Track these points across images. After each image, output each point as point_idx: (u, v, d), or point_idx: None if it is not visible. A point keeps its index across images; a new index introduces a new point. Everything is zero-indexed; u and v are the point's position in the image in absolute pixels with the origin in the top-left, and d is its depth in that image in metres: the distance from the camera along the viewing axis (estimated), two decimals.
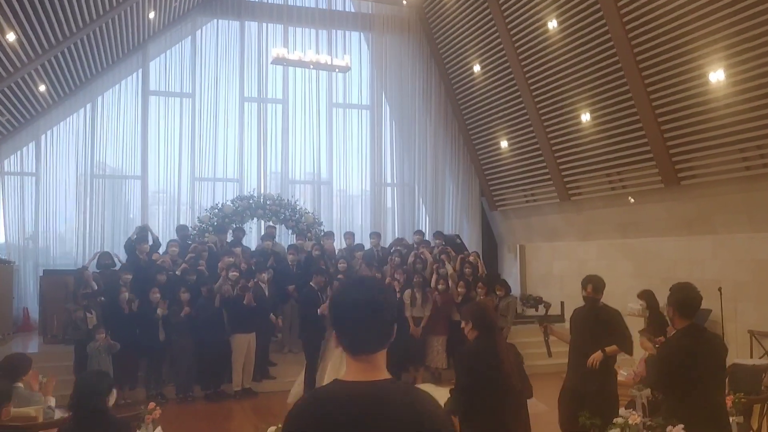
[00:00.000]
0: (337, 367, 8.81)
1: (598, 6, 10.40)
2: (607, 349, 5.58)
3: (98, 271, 9.95)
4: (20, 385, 5.22)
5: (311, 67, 9.95)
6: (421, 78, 15.22)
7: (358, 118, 15.07)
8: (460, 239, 13.82)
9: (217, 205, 12.98)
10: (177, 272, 9.73)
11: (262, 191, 13.73)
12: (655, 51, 9.82)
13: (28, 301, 12.62)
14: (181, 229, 11.47)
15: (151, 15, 12.21)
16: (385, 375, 2.00)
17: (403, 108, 15.19)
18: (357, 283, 2.09)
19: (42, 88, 11.33)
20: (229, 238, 11.90)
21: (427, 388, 9.55)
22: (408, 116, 15.23)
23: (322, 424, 1.87)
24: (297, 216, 13.20)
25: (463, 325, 4.56)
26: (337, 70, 10.02)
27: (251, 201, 13.06)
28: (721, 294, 9.63)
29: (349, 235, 11.88)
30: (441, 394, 8.63)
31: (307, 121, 14.59)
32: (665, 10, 9.41)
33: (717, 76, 9.01)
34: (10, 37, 8.74)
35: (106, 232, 13.20)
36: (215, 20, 14.13)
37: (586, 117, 11.46)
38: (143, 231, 10.93)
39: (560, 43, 11.43)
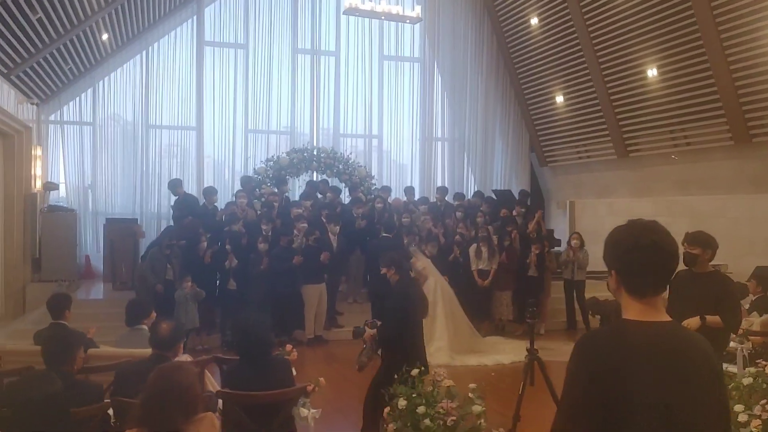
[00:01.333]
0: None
1: None
2: (709, 318, 4.64)
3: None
4: (144, 327, 5.37)
5: (382, 17, 9.85)
6: (473, 30, 15.00)
7: (410, 72, 14.97)
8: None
9: (272, 157, 13.06)
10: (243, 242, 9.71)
11: (314, 144, 13.78)
12: (733, 4, 9.63)
13: (88, 249, 12.81)
14: (247, 181, 11.53)
15: None
16: (666, 317, 2.05)
17: (454, 61, 15.03)
18: (649, 227, 2.03)
19: (105, 36, 11.30)
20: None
21: (495, 340, 9.73)
22: (459, 70, 15.08)
23: (632, 357, 1.92)
24: (350, 170, 13.27)
25: (384, 270, 5.51)
26: (408, 21, 9.91)
27: (305, 154, 13.12)
28: None
29: (410, 191, 11.95)
30: (512, 347, 8.69)
31: (360, 74, 14.54)
32: None
33: None
34: None
35: (163, 182, 13.29)
36: None
37: (652, 72, 11.31)
38: (177, 184, 10.88)
39: None
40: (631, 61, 11.75)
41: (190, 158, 13.64)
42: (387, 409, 4.17)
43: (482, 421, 3.58)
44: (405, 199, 11.65)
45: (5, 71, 9.35)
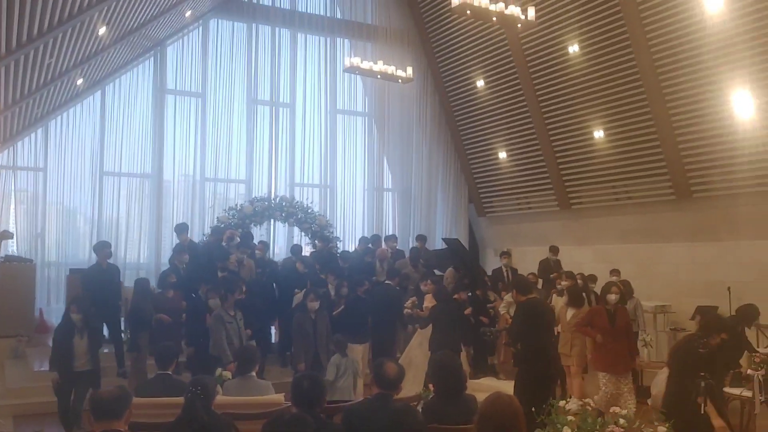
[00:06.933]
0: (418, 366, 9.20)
1: (622, 29, 11.44)
2: None
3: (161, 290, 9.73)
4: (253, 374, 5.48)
5: (378, 76, 10.43)
6: (416, 88, 15.85)
7: (362, 125, 15.63)
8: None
9: (235, 206, 13.08)
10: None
11: (271, 193, 13.95)
12: (678, 71, 10.95)
13: (41, 301, 12.08)
14: (219, 230, 11.63)
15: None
16: None
17: (401, 115, 15.84)
18: None
19: (79, 81, 11.00)
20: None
21: (490, 380, 10.24)
22: (405, 124, 15.91)
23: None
24: (310, 218, 13.54)
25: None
26: (400, 80, 10.55)
27: (266, 203, 13.26)
28: (730, 293, 10.94)
29: (393, 239, 12.43)
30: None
31: (315, 125, 15.00)
32: (688, 30, 10.50)
33: (739, 97, 10.24)
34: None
35: (120, 230, 12.90)
36: (227, 21, 14.21)
37: (599, 134, 12.58)
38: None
39: (578, 65, 12.43)
40: (577, 122, 12.99)
41: (147, 206, 13.31)
42: None
43: None
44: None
45: None
